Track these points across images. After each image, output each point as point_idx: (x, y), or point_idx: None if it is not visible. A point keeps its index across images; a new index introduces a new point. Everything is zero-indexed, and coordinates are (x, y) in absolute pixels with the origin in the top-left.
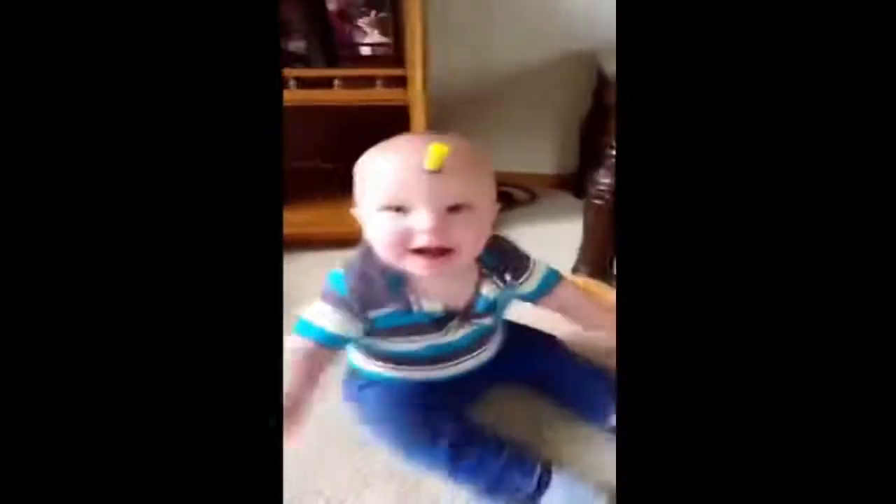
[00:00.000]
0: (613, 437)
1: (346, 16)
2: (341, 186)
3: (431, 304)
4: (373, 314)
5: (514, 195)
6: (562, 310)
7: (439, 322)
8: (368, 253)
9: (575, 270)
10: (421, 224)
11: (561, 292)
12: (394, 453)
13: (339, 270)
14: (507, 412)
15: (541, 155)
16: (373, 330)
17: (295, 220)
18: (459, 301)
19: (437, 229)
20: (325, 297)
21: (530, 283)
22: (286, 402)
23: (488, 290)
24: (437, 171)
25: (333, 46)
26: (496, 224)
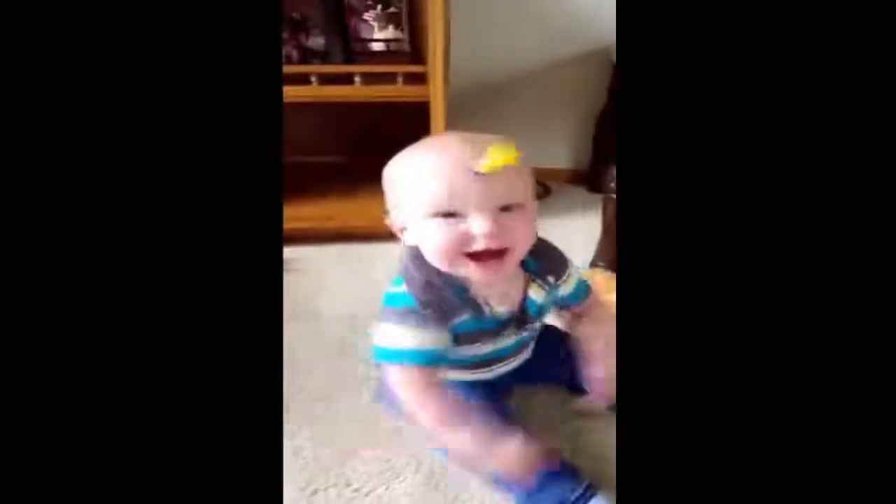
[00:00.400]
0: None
1: (353, 10)
2: (360, 180)
3: (499, 307)
4: (451, 324)
5: None
6: (586, 320)
7: (504, 325)
8: (420, 262)
9: (593, 264)
10: (478, 228)
11: (592, 302)
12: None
13: (397, 289)
14: (532, 408)
15: (556, 150)
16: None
17: (313, 214)
18: (515, 304)
19: (494, 232)
20: (398, 316)
21: (568, 286)
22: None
23: (536, 294)
24: (489, 174)
25: (350, 42)
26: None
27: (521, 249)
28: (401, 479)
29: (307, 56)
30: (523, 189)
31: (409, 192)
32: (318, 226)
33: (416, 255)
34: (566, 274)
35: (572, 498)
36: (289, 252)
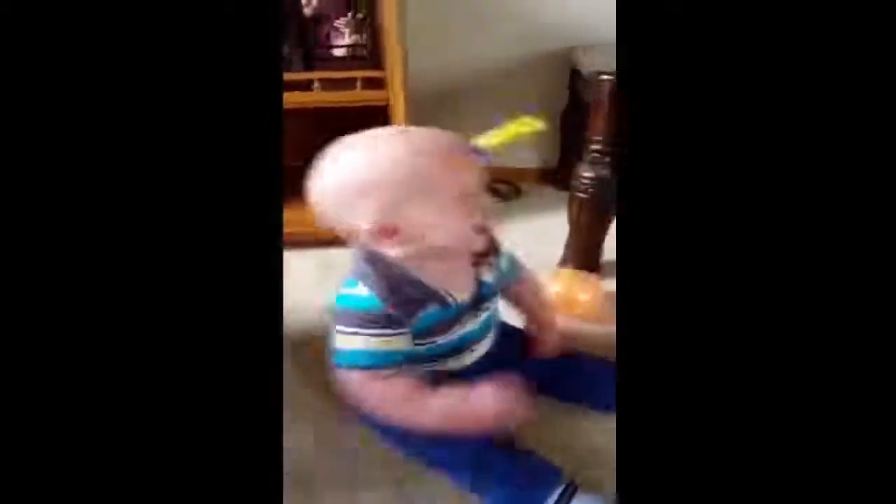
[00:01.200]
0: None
1: (325, 18)
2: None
3: (459, 295)
4: (415, 319)
5: (498, 190)
6: (520, 299)
7: (466, 311)
8: (380, 262)
9: (563, 263)
10: (486, 201)
11: (526, 275)
12: (405, 455)
13: (354, 292)
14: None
15: (524, 150)
16: (415, 334)
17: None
18: (472, 289)
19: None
20: (361, 320)
21: (504, 262)
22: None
23: (486, 275)
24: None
25: (310, 49)
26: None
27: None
28: (369, 490)
29: None
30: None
31: (410, 190)
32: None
33: (374, 256)
34: (499, 254)
35: (554, 497)
36: None
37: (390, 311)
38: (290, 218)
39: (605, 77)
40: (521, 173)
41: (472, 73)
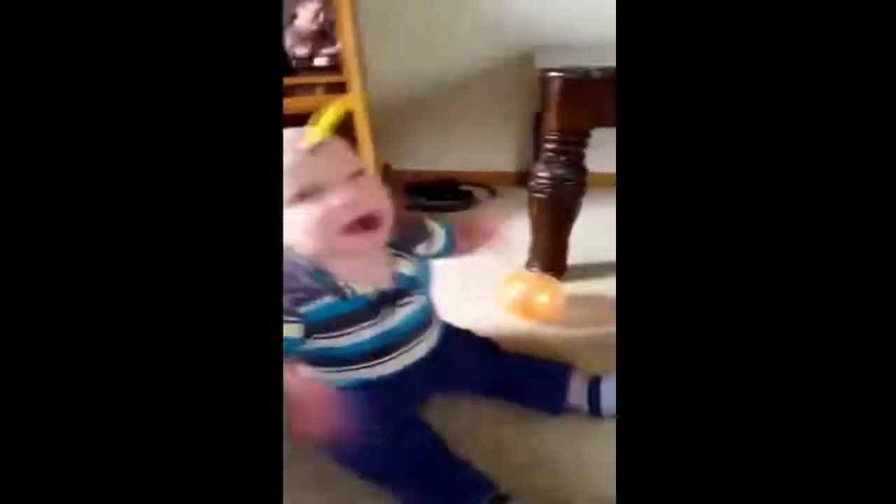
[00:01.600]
0: (568, 421)
1: (323, 33)
2: None
3: (362, 288)
4: (305, 309)
5: (473, 193)
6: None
7: (374, 305)
8: (294, 249)
9: (528, 265)
10: (339, 198)
11: (459, 231)
12: (336, 466)
13: None
14: (453, 418)
15: (498, 153)
16: (310, 328)
17: None
18: (383, 282)
19: (356, 197)
20: None
21: (438, 244)
22: None
23: (405, 268)
24: (321, 145)
25: (287, 60)
26: (456, 221)
27: (387, 212)
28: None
29: None
30: (357, 158)
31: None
32: None
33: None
34: (431, 238)
35: None
36: None
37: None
38: None
39: (554, 74)
40: (497, 176)
41: (444, 76)
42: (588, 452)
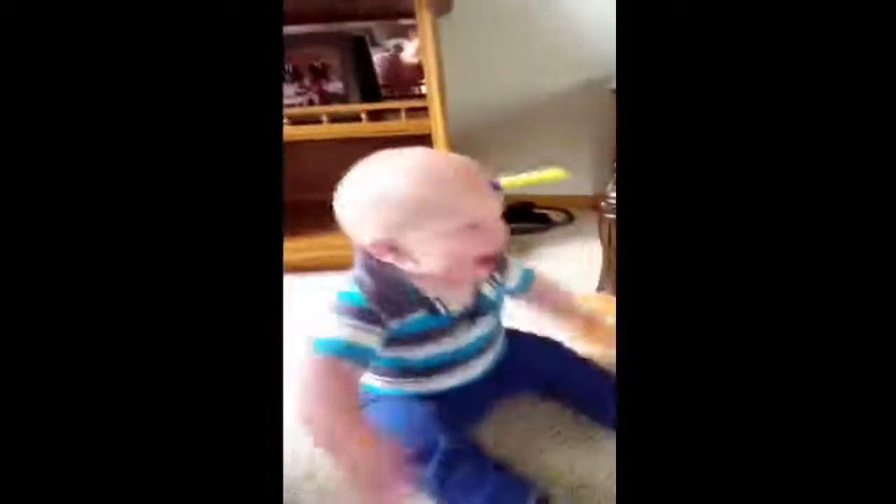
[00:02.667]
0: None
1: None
2: None
3: (453, 305)
4: (397, 323)
5: (550, 217)
6: (541, 303)
7: (459, 322)
8: (376, 273)
9: (599, 289)
10: (500, 234)
11: (538, 286)
12: None
13: (349, 289)
14: (505, 432)
15: (578, 177)
16: (397, 339)
17: (332, 243)
18: (467, 301)
19: (502, 237)
20: (341, 310)
21: (514, 279)
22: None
23: (486, 290)
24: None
25: (377, 87)
26: (533, 244)
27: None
28: None
29: (327, 100)
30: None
31: (426, 213)
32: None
33: (369, 265)
34: (507, 269)
35: None
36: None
37: (374, 307)
38: (333, 243)
39: None
40: (575, 201)
41: (522, 100)
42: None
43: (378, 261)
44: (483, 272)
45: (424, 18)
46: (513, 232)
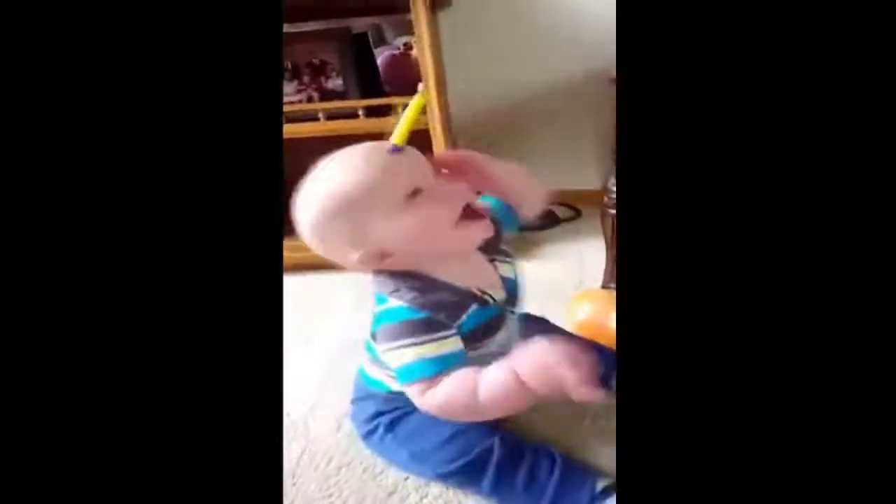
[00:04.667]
0: None
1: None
2: None
3: (496, 293)
4: (459, 321)
5: (555, 212)
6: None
7: (506, 310)
8: (401, 280)
9: (605, 286)
10: (454, 189)
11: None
12: (425, 477)
13: (388, 307)
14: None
15: (586, 172)
16: (466, 338)
17: None
18: (499, 286)
19: (457, 190)
20: (404, 332)
21: (511, 230)
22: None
23: (507, 272)
24: (404, 148)
25: (379, 84)
26: (538, 241)
27: (481, 204)
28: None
29: (326, 97)
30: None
31: (365, 199)
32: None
33: (399, 276)
34: (504, 233)
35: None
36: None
37: (432, 315)
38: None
39: None
40: (583, 195)
41: (527, 94)
42: None
43: (403, 271)
44: (475, 231)
45: (420, 12)
46: (520, 229)
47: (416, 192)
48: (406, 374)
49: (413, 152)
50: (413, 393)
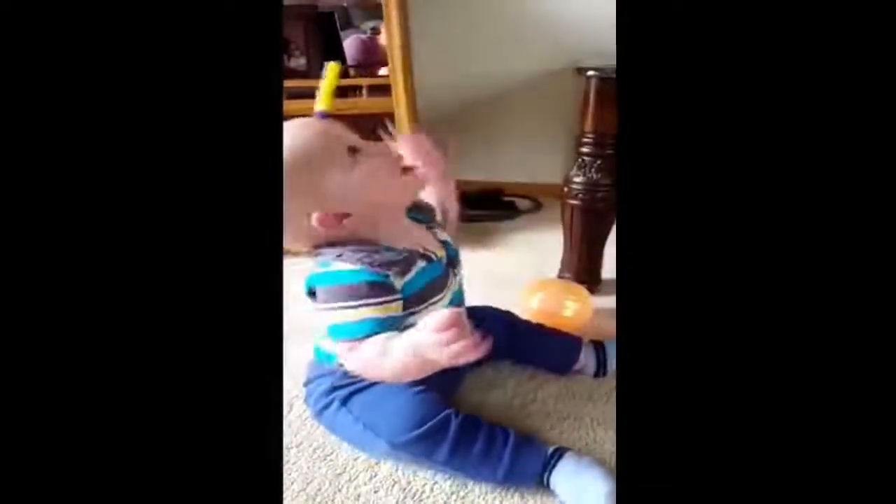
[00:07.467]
0: (581, 380)
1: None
2: None
3: (436, 251)
4: (407, 278)
5: (517, 204)
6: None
7: (448, 271)
8: (342, 242)
9: (560, 275)
10: (382, 148)
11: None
12: (380, 454)
13: (334, 269)
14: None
15: (549, 165)
16: (410, 299)
17: None
18: (439, 248)
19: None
20: (351, 293)
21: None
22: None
23: (443, 236)
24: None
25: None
26: (498, 231)
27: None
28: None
29: (289, 76)
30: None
31: (327, 154)
32: None
33: (336, 240)
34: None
35: (542, 464)
36: None
37: (382, 273)
38: None
39: (591, 73)
40: (544, 188)
41: (493, 89)
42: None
43: (350, 240)
44: (414, 182)
45: None
46: (480, 219)
47: (354, 150)
48: (342, 331)
49: (335, 121)
50: (340, 349)
